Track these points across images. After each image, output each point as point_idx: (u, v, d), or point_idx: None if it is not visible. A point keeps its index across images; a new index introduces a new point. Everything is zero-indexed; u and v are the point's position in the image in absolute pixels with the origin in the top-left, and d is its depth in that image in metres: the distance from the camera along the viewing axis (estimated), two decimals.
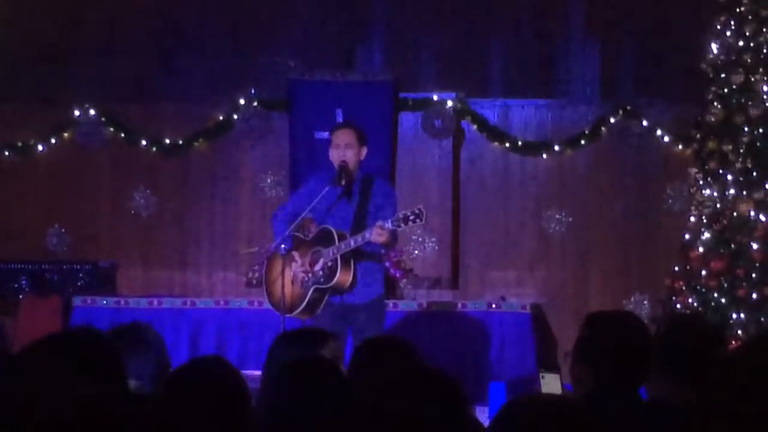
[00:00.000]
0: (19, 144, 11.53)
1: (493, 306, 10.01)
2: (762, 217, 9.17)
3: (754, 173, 9.23)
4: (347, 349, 7.02)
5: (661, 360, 3.80)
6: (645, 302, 10.55)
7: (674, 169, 10.67)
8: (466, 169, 11.14)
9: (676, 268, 9.52)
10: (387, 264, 9.98)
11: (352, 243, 7.19)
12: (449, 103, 10.94)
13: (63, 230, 11.49)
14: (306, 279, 7.35)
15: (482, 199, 11.10)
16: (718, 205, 9.32)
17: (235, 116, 11.28)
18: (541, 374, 8.86)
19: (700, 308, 9.13)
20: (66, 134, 11.53)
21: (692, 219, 9.51)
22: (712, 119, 9.45)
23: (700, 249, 9.33)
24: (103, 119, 11.44)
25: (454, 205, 11.04)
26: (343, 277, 7.26)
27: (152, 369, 4.18)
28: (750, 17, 9.36)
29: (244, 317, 10.07)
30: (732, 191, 9.27)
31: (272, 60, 11.16)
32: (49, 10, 11.61)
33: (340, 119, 10.32)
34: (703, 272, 9.27)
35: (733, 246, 9.20)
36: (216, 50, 11.46)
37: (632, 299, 10.67)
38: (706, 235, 9.33)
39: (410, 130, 11.09)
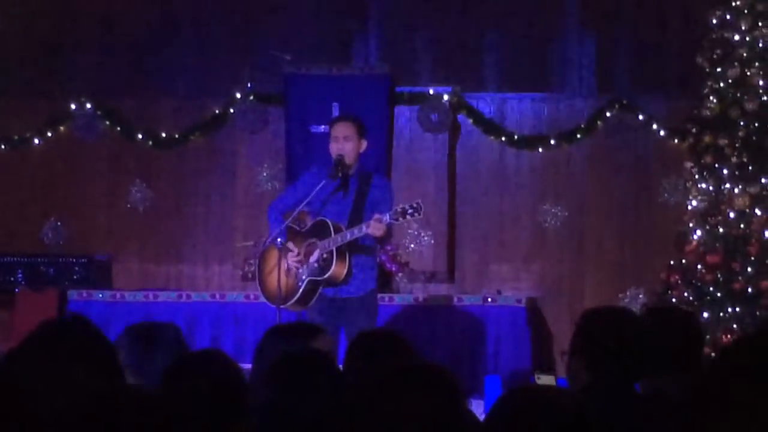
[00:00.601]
0: (15, 137, 11.51)
1: (489, 300, 10.01)
2: (758, 211, 9.19)
3: (750, 167, 9.24)
4: (340, 343, 7.03)
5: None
6: (640, 296, 10.55)
7: (670, 163, 10.67)
8: (462, 163, 11.14)
9: (672, 262, 9.52)
10: (383, 258, 9.98)
11: (349, 235, 7.19)
12: (445, 97, 10.93)
13: (59, 224, 11.48)
14: (301, 270, 7.35)
15: (478, 192, 11.10)
16: (714, 199, 9.32)
17: (231, 110, 11.27)
18: (536, 376, 8.87)
19: (695, 302, 9.14)
20: (62, 128, 11.52)
21: (688, 213, 9.52)
22: (708, 113, 9.46)
23: (696, 243, 9.34)
24: (98, 113, 11.43)
25: (450, 198, 11.04)
26: (338, 269, 7.26)
27: None
28: (746, 11, 9.37)
29: (240, 311, 10.07)
30: (728, 185, 9.28)
31: (268, 54, 11.15)
32: (45, 3, 11.60)
33: (336, 113, 10.31)
34: (699, 266, 9.28)
35: (728, 240, 9.21)
36: (212, 44, 11.44)
37: (628, 293, 10.67)
38: (702, 229, 9.33)
39: (406, 124, 11.08)
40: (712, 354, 8.54)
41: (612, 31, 11.01)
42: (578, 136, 10.95)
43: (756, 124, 9.26)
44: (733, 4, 9.39)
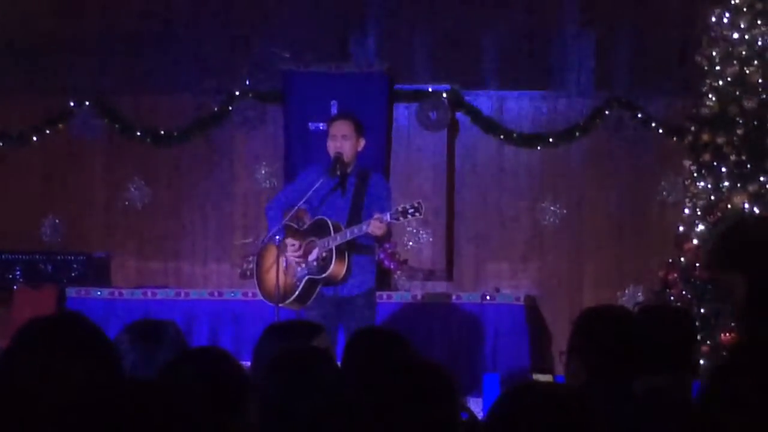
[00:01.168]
0: (14, 134, 11.50)
1: (488, 298, 10.01)
2: (756, 210, 9.18)
3: (749, 166, 9.23)
4: (339, 341, 7.03)
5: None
6: (639, 294, 10.55)
7: (669, 161, 10.66)
8: (461, 161, 11.14)
9: (671, 260, 9.52)
10: (381, 255, 9.98)
11: (348, 234, 7.19)
12: (444, 95, 10.92)
13: (57, 221, 11.48)
14: (299, 268, 7.34)
15: (477, 190, 11.10)
16: (713, 198, 9.31)
17: (230, 108, 11.26)
18: (534, 377, 8.89)
19: (694, 300, 9.14)
20: (60, 125, 11.51)
21: (686, 211, 9.51)
22: (707, 112, 9.44)
23: (695, 241, 9.33)
24: (97, 110, 11.42)
25: (449, 196, 11.03)
26: (337, 268, 7.25)
27: None
28: (745, 9, 9.35)
29: (238, 308, 10.07)
30: (726, 183, 9.26)
31: (266, 51, 11.14)
32: (44, 1, 11.58)
33: (334, 111, 10.30)
34: (698, 264, 9.28)
35: None
36: (211, 42, 11.43)
37: (626, 291, 10.67)
38: (701, 227, 9.33)
39: (404, 121, 11.08)
40: (710, 352, 8.55)
41: (611, 29, 11.01)
42: (577, 134, 10.95)
43: (755, 123, 9.25)
44: (732, 2, 9.38)
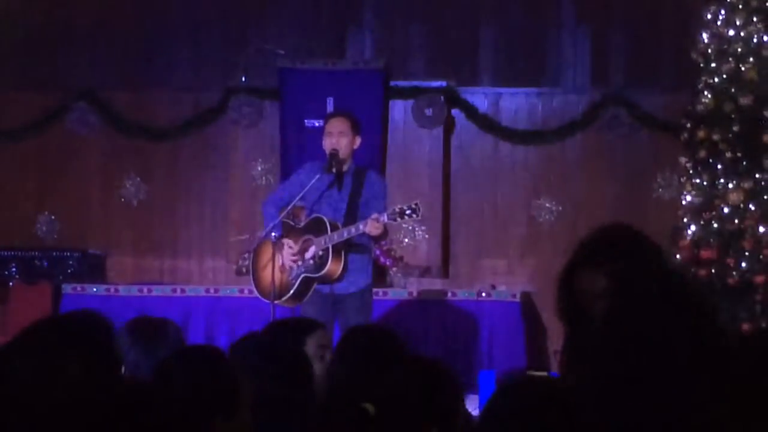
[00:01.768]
0: (9, 130, 11.49)
1: (483, 295, 10.01)
2: (752, 206, 9.19)
3: (744, 162, 9.23)
4: (334, 339, 7.03)
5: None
6: None
7: (664, 158, 10.67)
8: (457, 158, 11.14)
9: None
10: (377, 252, 9.97)
11: (345, 234, 7.19)
12: (440, 92, 10.92)
13: (53, 217, 11.47)
14: (296, 267, 7.34)
15: (472, 187, 11.10)
16: (709, 194, 9.32)
17: (226, 104, 11.25)
18: (529, 373, 8.89)
19: None
20: (56, 121, 11.50)
21: (682, 208, 9.52)
22: (703, 108, 9.45)
23: (690, 238, 9.34)
24: (93, 106, 11.41)
25: (444, 193, 11.03)
26: (333, 267, 7.25)
27: None
28: (740, 6, 9.36)
29: (234, 305, 10.06)
30: (722, 180, 9.27)
31: (262, 47, 11.14)
32: None
33: (330, 108, 10.30)
34: (694, 261, 9.28)
35: (723, 235, 9.21)
36: (206, 38, 11.44)
37: None
38: (696, 224, 9.34)
39: (401, 118, 11.08)
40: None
41: (606, 26, 11.02)
42: (573, 131, 10.95)
43: (750, 120, 9.26)
44: None
